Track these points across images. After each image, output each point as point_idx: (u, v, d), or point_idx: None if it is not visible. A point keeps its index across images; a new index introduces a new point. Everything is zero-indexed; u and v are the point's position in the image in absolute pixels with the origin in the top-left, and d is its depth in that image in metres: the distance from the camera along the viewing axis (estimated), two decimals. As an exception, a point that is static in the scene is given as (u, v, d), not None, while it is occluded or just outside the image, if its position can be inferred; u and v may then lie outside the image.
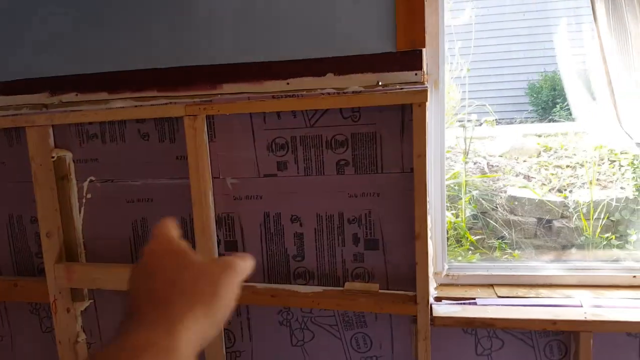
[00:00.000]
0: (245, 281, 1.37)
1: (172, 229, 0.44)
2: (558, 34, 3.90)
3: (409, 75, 1.21)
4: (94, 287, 1.40)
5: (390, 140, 1.23)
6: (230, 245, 1.37)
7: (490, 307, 1.32)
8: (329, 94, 1.23)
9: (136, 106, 1.33)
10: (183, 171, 1.36)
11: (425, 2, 1.19)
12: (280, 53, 1.26)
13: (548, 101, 4.26)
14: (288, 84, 1.27)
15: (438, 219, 1.38)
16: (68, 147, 1.42)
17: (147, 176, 1.38)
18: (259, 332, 1.40)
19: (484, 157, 2.67)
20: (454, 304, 1.35)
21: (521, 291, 1.40)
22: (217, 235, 1.37)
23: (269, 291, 1.32)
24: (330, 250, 1.32)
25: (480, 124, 3.05)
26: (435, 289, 1.37)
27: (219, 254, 1.37)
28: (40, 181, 1.37)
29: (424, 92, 1.16)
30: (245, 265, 0.43)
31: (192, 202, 1.31)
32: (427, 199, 1.20)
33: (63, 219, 1.42)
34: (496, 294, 1.39)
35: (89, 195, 1.43)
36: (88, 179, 1.42)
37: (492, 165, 2.67)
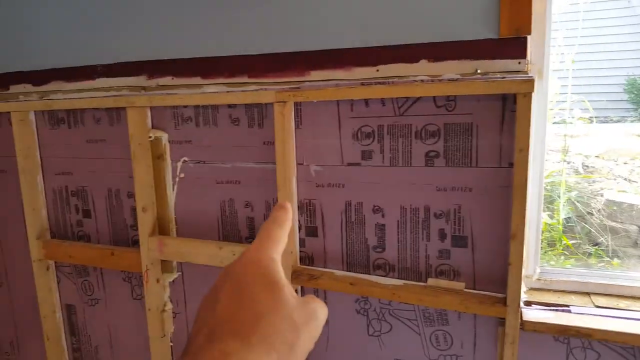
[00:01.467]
0: (324, 267, 1.35)
1: (282, 234, 0.39)
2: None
3: (511, 64, 1.13)
4: (183, 260, 1.47)
5: (488, 132, 1.16)
6: (310, 231, 1.38)
7: (587, 317, 1.22)
8: (422, 81, 1.18)
9: (228, 92, 1.36)
10: (269, 156, 1.37)
11: (535, -16, 1.10)
12: (370, 38, 1.22)
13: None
14: (377, 70, 1.23)
15: (533, 219, 1.29)
16: (164, 128, 1.49)
17: (236, 159, 1.42)
18: (336, 318, 1.40)
19: (581, 157, 2.46)
20: (545, 309, 1.26)
21: (623, 303, 1.28)
22: (299, 221, 1.38)
23: (348, 279, 1.31)
24: (413, 244, 1.28)
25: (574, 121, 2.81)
26: (525, 292, 1.29)
27: (300, 239, 1.39)
28: (138, 159, 1.45)
29: (530, 82, 1.07)
30: (326, 314, 0.38)
31: (277, 187, 1.32)
32: (526, 197, 1.12)
33: (157, 195, 1.50)
34: (593, 303, 1.28)
35: (181, 175, 1.50)
36: (182, 159, 1.49)
37: (587, 166, 2.45)
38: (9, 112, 1.69)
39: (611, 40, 3.98)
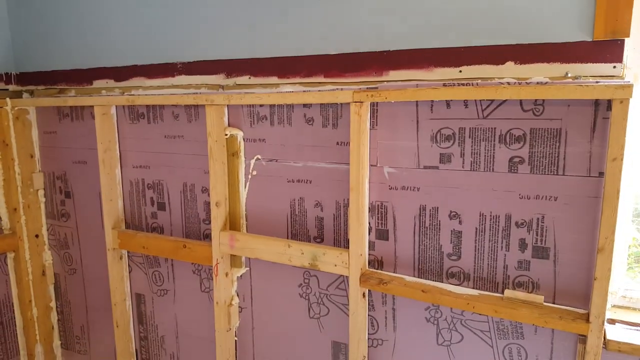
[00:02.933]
0: (393, 272, 1.33)
1: None
2: None
3: (605, 68, 1.07)
4: (252, 256, 1.50)
5: (578, 139, 1.10)
6: (381, 234, 1.36)
7: (677, 340, 1.14)
8: (508, 83, 1.14)
9: (304, 91, 1.37)
10: (341, 157, 1.37)
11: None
12: (453, 38, 1.20)
13: None
14: (460, 71, 1.20)
15: (622, 233, 1.21)
16: (240, 126, 1.52)
17: (308, 159, 1.43)
18: (404, 324, 1.37)
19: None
20: (631, 328, 1.19)
21: None
22: (369, 223, 1.37)
23: (419, 286, 1.28)
24: (491, 253, 1.24)
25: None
26: (609, 309, 1.22)
27: (370, 242, 1.38)
28: (215, 156, 1.49)
29: (628, 88, 1.01)
30: None
31: (350, 187, 1.32)
32: (617, 208, 1.06)
33: (230, 191, 1.54)
34: (684, 326, 1.19)
35: (254, 172, 1.53)
36: (255, 157, 1.52)
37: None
38: (92, 106, 1.79)
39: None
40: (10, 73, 1.99)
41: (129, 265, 1.87)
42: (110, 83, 1.77)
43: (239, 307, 1.63)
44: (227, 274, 1.57)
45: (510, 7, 1.13)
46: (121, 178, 1.82)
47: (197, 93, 1.56)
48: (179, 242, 1.65)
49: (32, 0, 1.93)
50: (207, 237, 1.64)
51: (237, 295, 1.62)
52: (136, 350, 1.93)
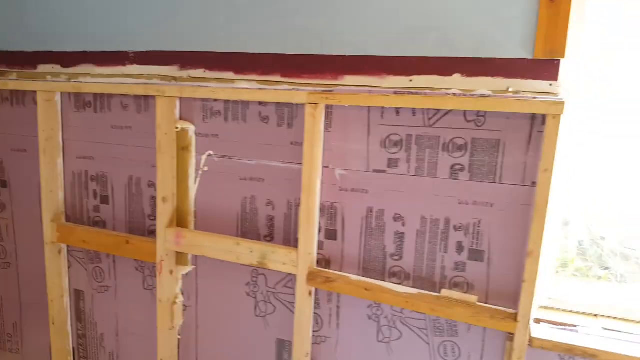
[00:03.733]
0: (340, 270, 1.37)
1: None
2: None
3: (543, 85, 1.16)
4: (199, 253, 1.49)
5: (514, 150, 1.18)
6: (330, 234, 1.39)
7: (594, 338, 1.24)
8: (454, 94, 1.20)
9: (260, 89, 1.38)
10: (295, 157, 1.39)
11: (572, 11, 1.13)
12: (405, 48, 1.25)
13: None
14: (411, 80, 1.25)
15: (552, 240, 1.31)
16: (192, 120, 1.50)
17: (262, 157, 1.44)
18: (347, 321, 1.41)
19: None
20: (554, 327, 1.29)
21: (630, 326, 1.31)
22: (319, 223, 1.39)
23: (363, 284, 1.33)
24: (430, 254, 1.30)
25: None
26: (536, 310, 1.31)
27: (319, 242, 1.40)
28: (163, 149, 1.47)
29: (561, 104, 1.10)
30: None
31: (302, 188, 1.34)
32: (546, 217, 1.14)
33: (179, 187, 1.51)
34: (600, 325, 1.31)
35: (205, 168, 1.51)
36: (207, 153, 1.50)
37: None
38: (34, 92, 1.70)
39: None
40: (-57, 51, 1.86)
41: (68, 260, 1.79)
42: (57, 68, 1.69)
43: (184, 305, 1.61)
44: (171, 272, 1.55)
45: (460, 22, 1.20)
46: (63, 168, 1.74)
47: (148, 84, 1.53)
48: (122, 238, 1.60)
49: (-29, -25, 1.81)
50: (152, 233, 1.61)
51: (182, 294, 1.60)
52: (73, 348, 1.85)
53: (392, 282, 1.34)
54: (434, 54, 1.22)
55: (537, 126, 1.16)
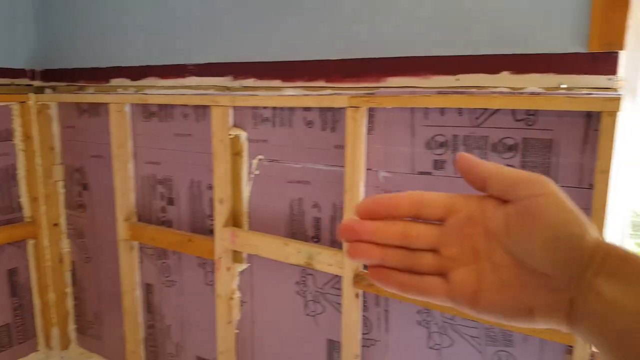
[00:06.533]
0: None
1: None
2: None
3: (600, 80, 1.07)
4: (252, 252, 1.56)
5: (569, 151, 1.11)
6: (376, 236, 1.39)
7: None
8: (502, 93, 1.15)
9: (304, 95, 1.41)
10: (339, 160, 1.41)
11: (633, -2, 1.03)
12: (451, 47, 1.21)
13: None
14: (457, 79, 1.22)
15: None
16: (243, 127, 1.58)
17: (307, 161, 1.47)
18: (396, 326, 1.40)
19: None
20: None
21: None
22: (365, 225, 1.40)
23: (410, 288, 1.31)
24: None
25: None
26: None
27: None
28: (219, 155, 1.55)
29: (616, 100, 1.01)
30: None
31: (345, 190, 1.35)
32: (605, 221, 1.06)
33: (233, 189, 1.59)
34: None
35: (257, 172, 1.58)
36: (257, 157, 1.57)
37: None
38: (107, 104, 1.87)
39: None
40: (35, 70, 2.10)
41: (139, 256, 1.95)
42: (126, 82, 1.85)
43: (241, 301, 1.69)
44: (228, 269, 1.63)
45: (507, 17, 1.14)
46: (134, 173, 1.90)
47: (205, 94, 1.62)
48: (185, 236, 1.71)
49: (56, 3, 2.03)
50: (212, 232, 1.71)
51: (239, 290, 1.68)
52: (144, 338, 2.02)
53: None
54: (480, 51, 1.18)
55: (593, 124, 1.08)
